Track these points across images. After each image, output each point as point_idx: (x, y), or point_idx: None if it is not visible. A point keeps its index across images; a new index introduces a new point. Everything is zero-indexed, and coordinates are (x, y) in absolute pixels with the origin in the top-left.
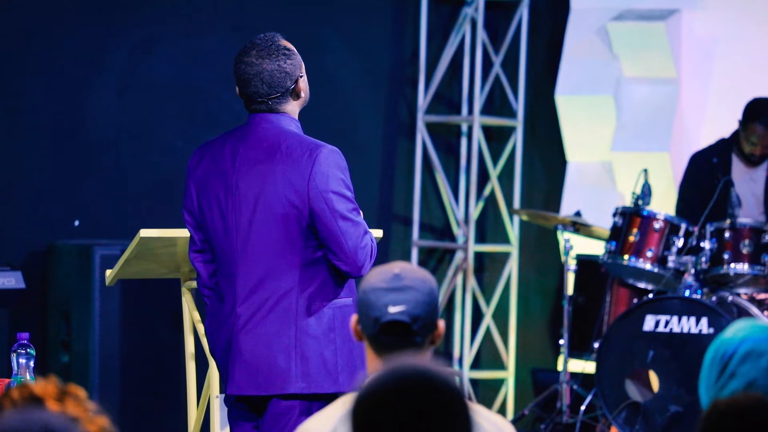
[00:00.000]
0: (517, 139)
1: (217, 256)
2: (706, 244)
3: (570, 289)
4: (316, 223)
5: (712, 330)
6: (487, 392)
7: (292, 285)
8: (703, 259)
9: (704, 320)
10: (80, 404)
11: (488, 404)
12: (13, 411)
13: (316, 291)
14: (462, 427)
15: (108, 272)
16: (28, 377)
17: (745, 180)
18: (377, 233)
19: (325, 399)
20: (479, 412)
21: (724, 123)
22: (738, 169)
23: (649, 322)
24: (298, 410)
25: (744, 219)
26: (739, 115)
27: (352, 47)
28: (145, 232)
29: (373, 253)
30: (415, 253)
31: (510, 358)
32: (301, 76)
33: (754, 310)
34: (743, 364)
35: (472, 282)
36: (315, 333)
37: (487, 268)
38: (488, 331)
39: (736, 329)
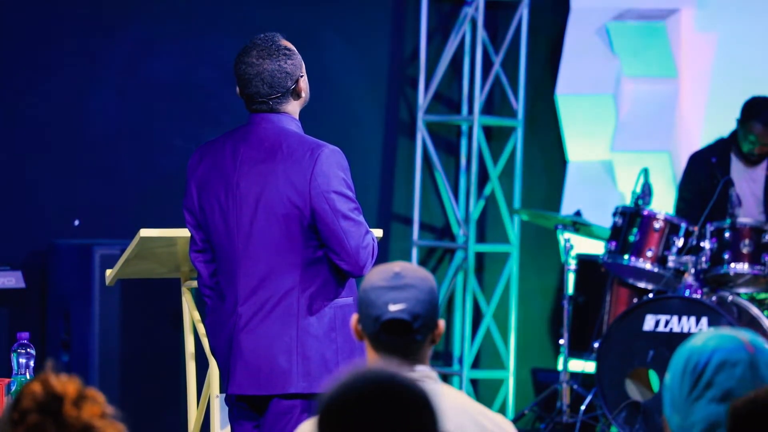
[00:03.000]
0: (517, 138)
1: (217, 255)
2: (706, 244)
3: (570, 289)
4: (317, 223)
5: (712, 330)
6: (487, 392)
7: (293, 285)
8: (703, 258)
9: (704, 320)
10: (99, 408)
11: (488, 404)
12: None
13: (317, 291)
14: (429, 429)
15: (108, 272)
16: (28, 377)
17: (744, 179)
18: (377, 233)
19: None
20: (481, 412)
21: (724, 122)
22: (737, 168)
23: (649, 322)
24: (299, 409)
25: (744, 219)
26: (738, 115)
27: (352, 47)
28: (145, 232)
29: (374, 253)
30: (415, 253)
31: (510, 358)
32: (301, 76)
33: (754, 310)
34: (718, 374)
35: (472, 282)
36: (316, 333)
37: (487, 268)
38: (488, 331)
39: (704, 339)
